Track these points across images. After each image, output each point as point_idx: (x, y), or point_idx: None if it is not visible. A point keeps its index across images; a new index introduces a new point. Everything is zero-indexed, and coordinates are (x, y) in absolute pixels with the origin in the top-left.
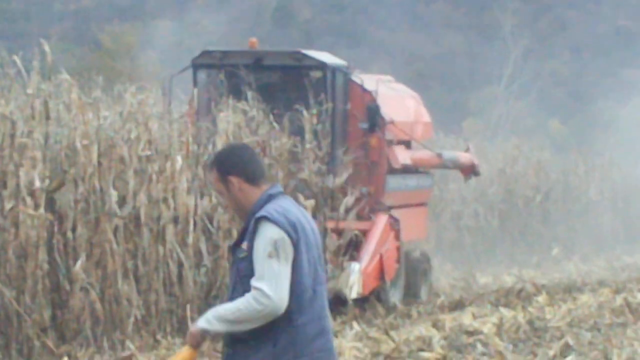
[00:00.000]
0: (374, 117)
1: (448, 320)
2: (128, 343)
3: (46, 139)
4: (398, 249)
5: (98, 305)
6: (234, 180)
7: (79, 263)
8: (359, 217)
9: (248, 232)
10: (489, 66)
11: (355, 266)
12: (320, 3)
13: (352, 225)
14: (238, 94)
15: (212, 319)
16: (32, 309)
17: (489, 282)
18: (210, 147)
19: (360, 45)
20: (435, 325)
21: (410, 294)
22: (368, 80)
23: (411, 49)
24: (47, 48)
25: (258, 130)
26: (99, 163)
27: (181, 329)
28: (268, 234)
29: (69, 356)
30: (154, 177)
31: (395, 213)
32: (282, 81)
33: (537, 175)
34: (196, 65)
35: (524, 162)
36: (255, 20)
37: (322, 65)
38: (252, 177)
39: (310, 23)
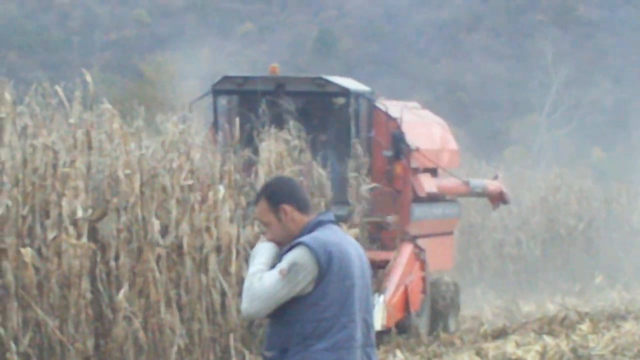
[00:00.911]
0: (398, 145)
1: (491, 348)
2: None
3: (88, 168)
4: (424, 279)
5: (141, 334)
6: (288, 208)
7: (121, 292)
8: (383, 246)
9: (281, 257)
10: (530, 94)
11: (380, 298)
12: (361, 33)
13: (376, 255)
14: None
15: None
16: (75, 338)
17: (532, 310)
18: (252, 176)
19: (400, 75)
20: (478, 353)
21: (438, 325)
22: (393, 107)
23: (452, 77)
24: (88, 78)
25: (300, 159)
26: (142, 192)
27: (224, 357)
28: (294, 255)
29: None
30: (197, 206)
31: (421, 242)
32: (304, 108)
33: (579, 204)
34: (216, 91)
35: (566, 190)
36: (295, 50)
37: (345, 92)
38: (304, 205)
39: (351, 52)
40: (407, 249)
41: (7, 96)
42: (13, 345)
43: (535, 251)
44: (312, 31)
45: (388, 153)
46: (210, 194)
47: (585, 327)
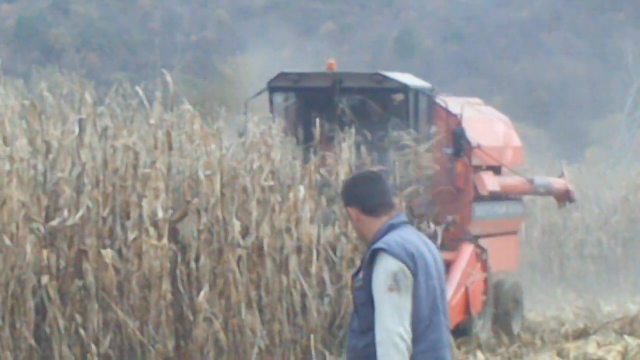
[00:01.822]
0: (459, 142)
1: (572, 349)
2: None
3: (169, 169)
4: (486, 280)
5: (222, 336)
6: (352, 211)
7: (202, 293)
8: (445, 247)
9: (365, 263)
10: (611, 94)
11: None
12: (441, 33)
13: None
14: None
15: None
16: (156, 339)
17: (614, 310)
18: (333, 177)
19: (481, 75)
20: (560, 354)
21: (502, 328)
22: (454, 103)
23: (532, 77)
24: (169, 79)
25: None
26: (222, 194)
27: (305, 359)
28: (387, 266)
29: None
30: (277, 207)
31: (483, 242)
32: (362, 104)
33: None
34: (272, 88)
35: None
36: (377, 51)
37: (404, 88)
38: (370, 208)
39: (432, 53)
40: (468, 250)
41: (88, 97)
42: (94, 347)
43: (617, 251)
44: (393, 31)
45: (448, 150)
46: (291, 195)
47: None
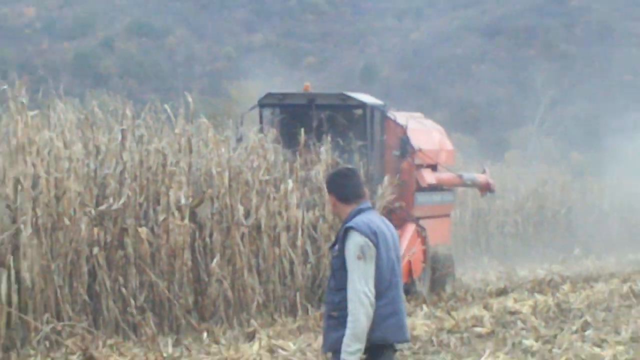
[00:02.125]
0: (405, 146)
1: (495, 303)
2: (252, 321)
3: (189, 167)
4: (424, 251)
5: (229, 293)
6: (331, 198)
7: (214, 261)
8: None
9: (339, 238)
10: (524, 111)
11: None
12: (396, 64)
13: None
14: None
15: (347, 349)
16: (179, 295)
17: (526, 274)
18: (313, 173)
19: (426, 96)
20: (485, 307)
21: (438, 288)
22: (401, 116)
23: (465, 98)
24: (190, 99)
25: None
26: (229, 185)
27: (292, 310)
28: (355, 240)
29: (207, 331)
30: (271, 196)
31: (423, 223)
32: (331, 117)
33: (561, 194)
34: (262, 105)
35: (551, 183)
36: (347, 78)
37: (362, 105)
38: (343, 197)
39: (389, 80)
40: (411, 228)
41: (128, 112)
42: (132, 301)
43: (529, 229)
44: (359, 63)
45: (397, 153)
46: (282, 186)
47: (566, 287)
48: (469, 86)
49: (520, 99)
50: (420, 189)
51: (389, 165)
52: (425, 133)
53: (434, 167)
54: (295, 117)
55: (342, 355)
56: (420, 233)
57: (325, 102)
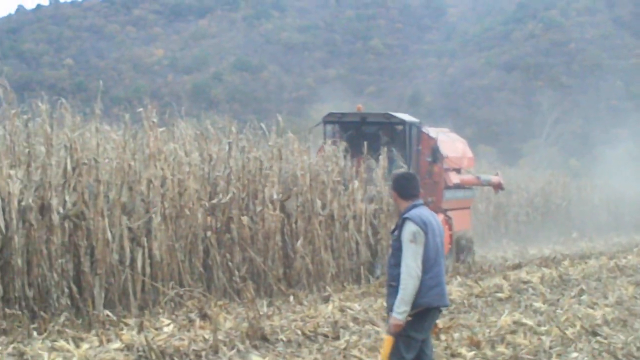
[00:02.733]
0: (435, 154)
1: (512, 275)
2: (327, 288)
3: (280, 170)
4: (450, 235)
5: (310, 266)
6: (393, 194)
7: (299, 242)
8: None
9: (398, 225)
10: (534, 128)
11: None
12: (437, 92)
13: None
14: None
15: (397, 310)
16: (272, 268)
17: (536, 252)
18: (373, 175)
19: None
20: (504, 277)
21: (460, 262)
22: (432, 131)
23: (489, 118)
24: (280, 119)
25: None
26: (310, 185)
27: (357, 279)
28: (410, 228)
29: (293, 295)
30: (342, 192)
31: (449, 213)
32: (378, 132)
33: (563, 191)
34: (325, 122)
35: (555, 183)
36: (398, 103)
37: (402, 122)
38: (402, 194)
39: (431, 104)
40: (440, 217)
41: (233, 129)
42: (237, 272)
43: (537, 218)
44: (408, 91)
45: (429, 159)
46: (350, 185)
47: (566, 262)
48: (491, 108)
49: (531, 118)
50: (447, 187)
51: (423, 169)
52: (451, 143)
53: (458, 170)
54: (350, 131)
55: (393, 314)
56: (448, 221)
57: (374, 119)
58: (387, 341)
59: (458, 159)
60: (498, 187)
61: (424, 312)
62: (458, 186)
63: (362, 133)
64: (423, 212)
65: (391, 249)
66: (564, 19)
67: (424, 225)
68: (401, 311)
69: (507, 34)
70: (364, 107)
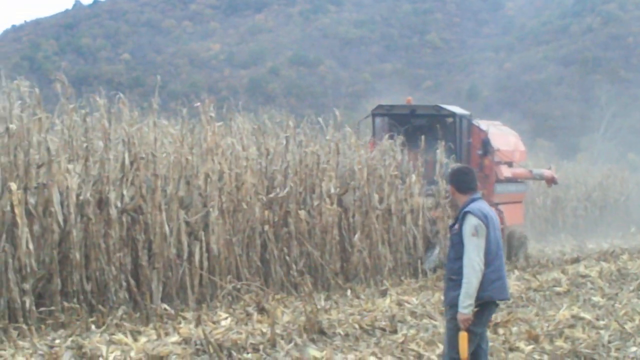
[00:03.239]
0: (486, 147)
1: (570, 269)
2: (385, 282)
3: (337, 165)
4: (502, 230)
5: (367, 260)
6: (451, 189)
7: (356, 236)
8: None
9: (459, 219)
10: (592, 122)
11: None
12: (494, 86)
13: None
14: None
15: (462, 304)
16: (329, 262)
17: (594, 247)
18: (430, 170)
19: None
20: (562, 271)
21: (513, 258)
22: (483, 123)
23: (546, 111)
24: (337, 113)
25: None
26: (367, 179)
27: (415, 273)
28: (471, 222)
29: (350, 289)
30: (399, 186)
31: (501, 207)
32: (427, 124)
33: (621, 185)
34: (374, 114)
35: (613, 178)
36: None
37: (452, 114)
38: (460, 188)
39: (488, 98)
40: None
41: (290, 124)
42: (294, 266)
43: (595, 212)
44: (465, 86)
45: (480, 152)
46: (407, 179)
47: (625, 256)
48: (549, 103)
49: (588, 112)
50: (499, 180)
51: (474, 162)
52: (502, 137)
53: (509, 164)
54: (400, 123)
55: (459, 309)
56: (499, 215)
57: (424, 112)
58: (462, 337)
59: (510, 152)
60: (551, 181)
61: (484, 306)
62: (509, 180)
63: (412, 125)
64: (483, 205)
65: (450, 242)
66: (622, 12)
67: (485, 219)
68: (466, 305)
69: (565, 27)
70: (421, 102)
